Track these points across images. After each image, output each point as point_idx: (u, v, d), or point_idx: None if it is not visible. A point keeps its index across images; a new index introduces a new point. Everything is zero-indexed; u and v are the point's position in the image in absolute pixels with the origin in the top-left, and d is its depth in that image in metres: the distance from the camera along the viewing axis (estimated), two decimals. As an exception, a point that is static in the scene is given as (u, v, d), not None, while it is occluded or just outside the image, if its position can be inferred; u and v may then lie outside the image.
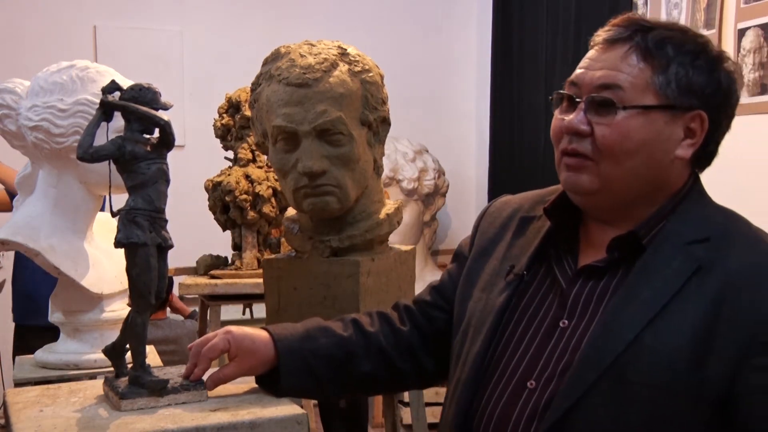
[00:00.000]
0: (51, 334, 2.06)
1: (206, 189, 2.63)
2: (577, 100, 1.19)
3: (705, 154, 1.23)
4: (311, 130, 1.76)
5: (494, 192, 4.98)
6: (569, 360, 1.15)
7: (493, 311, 1.27)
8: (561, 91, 1.23)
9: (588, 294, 1.20)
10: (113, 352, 1.46)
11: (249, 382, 1.54)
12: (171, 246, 1.41)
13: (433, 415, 2.52)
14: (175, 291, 3.63)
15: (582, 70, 1.21)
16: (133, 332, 1.39)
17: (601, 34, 1.22)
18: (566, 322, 1.20)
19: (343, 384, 1.41)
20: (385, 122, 1.90)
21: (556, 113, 1.23)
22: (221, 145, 2.74)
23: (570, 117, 1.18)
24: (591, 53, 1.22)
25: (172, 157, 1.42)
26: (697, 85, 1.18)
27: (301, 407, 1.41)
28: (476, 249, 1.41)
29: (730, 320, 1.09)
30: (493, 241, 1.38)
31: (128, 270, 1.36)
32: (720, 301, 1.10)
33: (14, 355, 3.11)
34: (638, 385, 1.09)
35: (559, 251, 1.27)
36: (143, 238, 1.34)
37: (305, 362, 1.36)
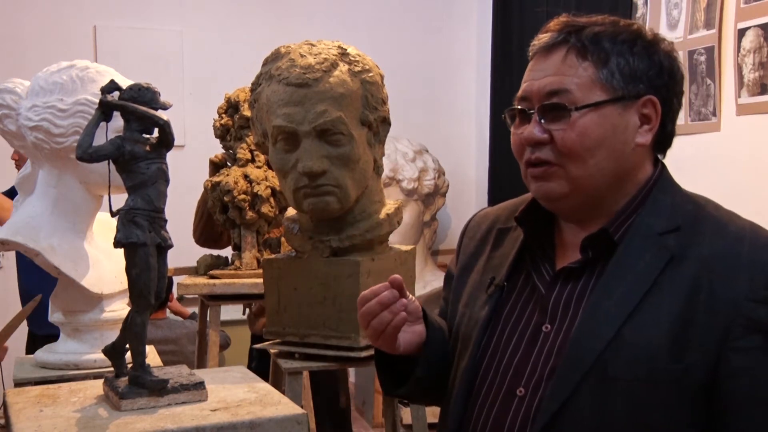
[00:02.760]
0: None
1: (205, 189, 2.63)
2: (530, 111, 1.21)
3: (664, 137, 1.25)
4: (311, 130, 1.75)
5: (494, 192, 4.98)
6: (554, 363, 1.16)
7: (477, 325, 1.28)
8: (512, 108, 1.25)
9: (567, 296, 1.20)
10: (113, 352, 1.46)
11: (249, 382, 1.54)
12: (170, 246, 1.41)
13: (433, 415, 2.51)
14: (174, 291, 3.63)
15: (528, 83, 1.22)
16: (132, 332, 1.39)
17: (536, 43, 1.24)
18: (548, 326, 1.20)
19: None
20: (385, 122, 1.90)
21: (513, 130, 1.25)
22: (221, 145, 2.75)
23: (528, 129, 1.20)
24: (532, 64, 1.24)
25: (171, 156, 1.42)
26: (641, 71, 1.19)
27: (301, 407, 1.41)
28: (459, 266, 1.42)
29: (707, 306, 1.10)
30: (473, 255, 1.40)
31: (128, 270, 1.36)
32: (695, 289, 1.11)
33: None
34: (621, 381, 1.10)
35: (536, 258, 1.28)
36: (143, 238, 1.34)
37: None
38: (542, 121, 1.19)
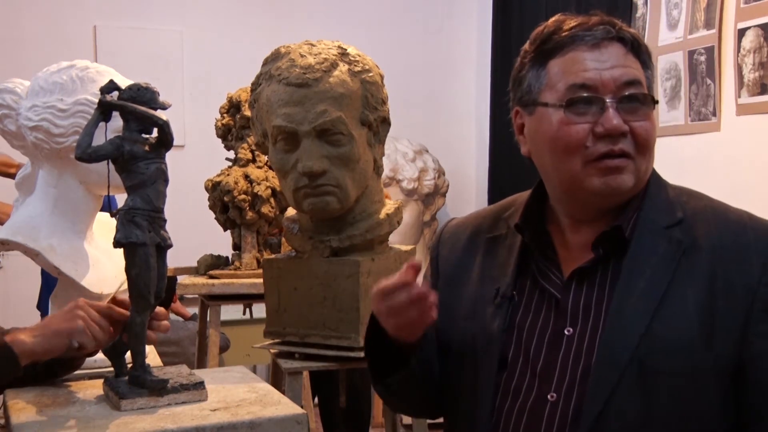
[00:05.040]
0: None
1: (206, 188, 2.63)
2: (609, 100, 1.16)
3: None
4: (311, 130, 1.75)
5: (494, 192, 4.97)
6: (586, 364, 1.15)
7: (492, 337, 1.24)
8: (579, 95, 1.17)
9: (586, 297, 1.20)
10: (113, 352, 1.46)
11: (249, 382, 1.54)
12: (170, 246, 1.41)
13: (433, 415, 2.52)
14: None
15: (593, 71, 1.17)
16: (132, 332, 1.39)
17: (580, 34, 1.19)
18: (570, 329, 1.19)
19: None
20: (385, 122, 1.90)
21: (566, 119, 1.17)
22: (223, 145, 2.75)
23: (608, 119, 1.15)
24: (582, 54, 1.18)
25: (171, 156, 1.42)
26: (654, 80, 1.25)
27: (301, 407, 1.41)
28: (443, 278, 1.38)
29: (726, 293, 1.12)
30: (459, 266, 1.36)
31: (127, 270, 1.36)
32: (712, 277, 1.13)
33: None
34: (661, 375, 1.12)
35: (540, 263, 1.26)
36: (142, 238, 1.34)
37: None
38: (619, 111, 1.16)
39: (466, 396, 1.27)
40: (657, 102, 1.22)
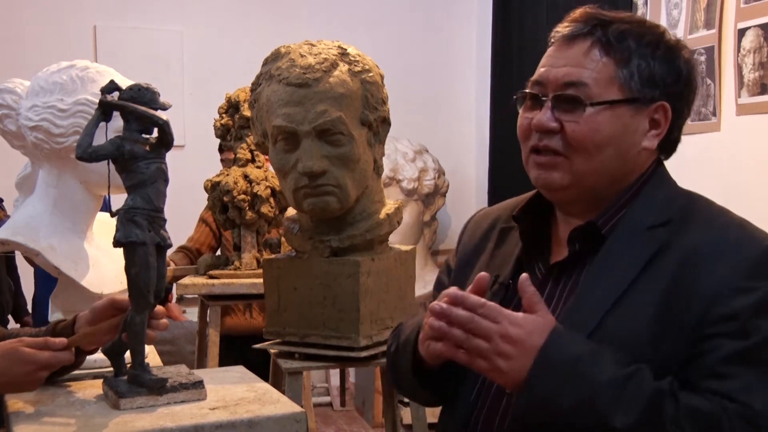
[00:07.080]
0: None
1: (205, 189, 2.63)
2: (543, 98, 1.20)
3: (669, 142, 1.25)
4: (311, 130, 1.76)
5: (494, 192, 4.97)
6: None
7: None
8: (525, 90, 1.24)
9: (559, 292, 1.21)
10: (112, 351, 1.46)
11: (248, 382, 1.54)
12: (170, 245, 1.41)
13: (433, 415, 2.51)
14: (174, 292, 3.63)
15: (545, 68, 1.22)
16: (132, 331, 1.39)
17: (560, 31, 1.23)
18: None
19: None
20: (385, 122, 1.90)
21: (522, 112, 1.25)
22: (221, 145, 2.75)
23: (538, 115, 1.19)
24: (551, 51, 1.23)
25: (171, 156, 1.43)
26: (659, 77, 1.19)
27: (301, 406, 1.41)
28: (459, 261, 1.42)
29: (687, 294, 1.10)
30: (474, 251, 1.39)
31: (127, 269, 1.36)
32: (677, 278, 1.11)
33: None
34: None
35: (531, 255, 1.28)
36: (142, 237, 1.34)
37: None
38: (554, 110, 1.18)
39: (457, 383, 1.29)
40: (599, 104, 1.17)
